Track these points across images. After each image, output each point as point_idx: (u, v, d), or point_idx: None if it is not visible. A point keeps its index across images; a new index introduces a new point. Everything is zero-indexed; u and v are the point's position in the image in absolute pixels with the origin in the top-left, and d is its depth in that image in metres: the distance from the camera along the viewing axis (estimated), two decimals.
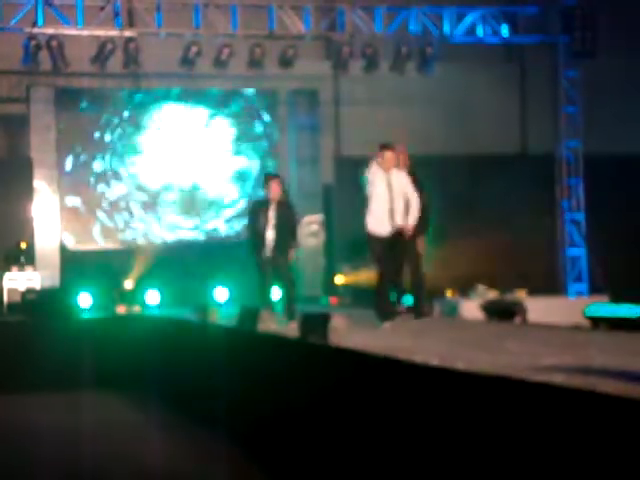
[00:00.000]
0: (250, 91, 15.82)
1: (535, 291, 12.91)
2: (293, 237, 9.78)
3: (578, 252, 15.27)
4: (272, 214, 9.57)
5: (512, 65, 16.74)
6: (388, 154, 8.68)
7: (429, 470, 5.14)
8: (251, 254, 9.76)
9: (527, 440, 4.33)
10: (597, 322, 8.01)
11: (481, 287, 13.03)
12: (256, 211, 9.81)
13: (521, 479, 4.37)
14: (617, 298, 10.72)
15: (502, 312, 9.71)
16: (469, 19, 14.62)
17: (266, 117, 15.96)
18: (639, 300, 8.08)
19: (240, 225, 15.59)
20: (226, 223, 15.83)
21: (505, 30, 14.78)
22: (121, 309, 13.48)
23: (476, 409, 4.74)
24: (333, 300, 14.25)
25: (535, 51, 15.76)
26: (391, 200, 8.53)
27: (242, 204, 15.78)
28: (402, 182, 8.74)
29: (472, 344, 6.90)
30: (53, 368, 11.73)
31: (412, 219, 8.64)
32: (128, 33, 13.60)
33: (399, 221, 8.55)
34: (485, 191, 15.47)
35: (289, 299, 9.56)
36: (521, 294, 12.90)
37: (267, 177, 10.32)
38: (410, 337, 7.74)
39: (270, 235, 9.54)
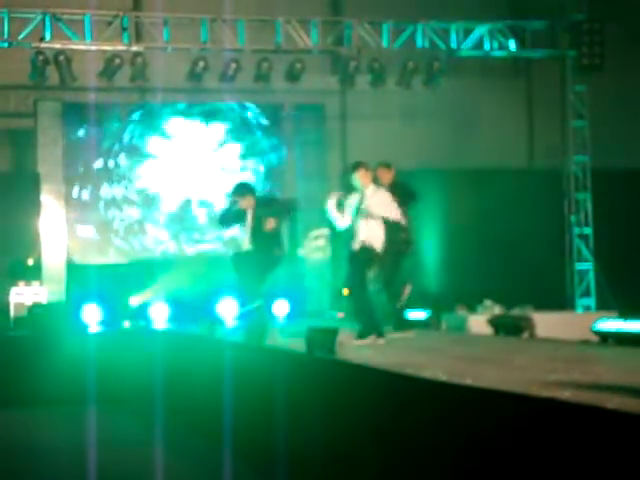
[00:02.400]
0: (256, 106, 15.83)
1: (543, 306, 12.84)
2: None
3: (586, 266, 15.22)
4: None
5: (519, 79, 16.74)
6: (360, 172, 8.63)
7: None
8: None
9: (535, 456, 4.29)
10: (605, 337, 7.97)
11: (488, 302, 12.97)
12: None
13: None
14: (625, 313, 10.66)
15: (510, 327, 9.66)
16: (476, 33, 14.62)
17: (272, 132, 15.97)
18: None
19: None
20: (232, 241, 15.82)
21: (512, 44, 14.79)
22: (127, 324, 13.46)
23: (484, 424, 4.70)
24: (340, 315, 14.20)
25: (542, 65, 15.76)
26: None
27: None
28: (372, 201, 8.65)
29: (480, 359, 6.86)
30: (56, 383, 11.70)
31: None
32: (135, 48, 13.64)
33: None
34: (492, 206, 15.45)
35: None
36: (529, 309, 12.83)
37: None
38: (418, 353, 7.70)
39: None
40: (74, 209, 15.18)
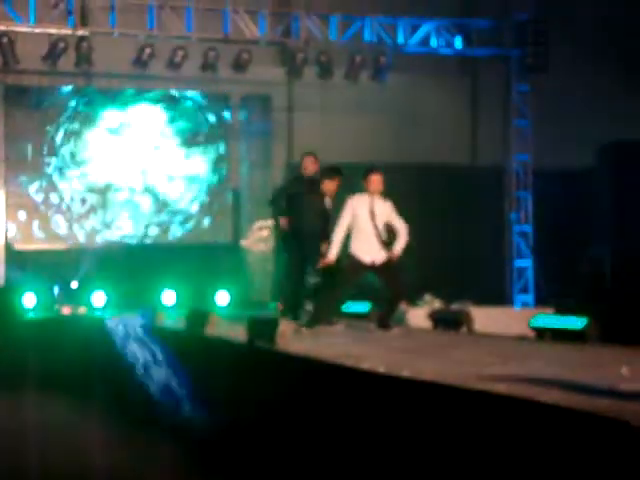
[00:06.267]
0: (202, 95, 15.76)
1: (482, 301, 13.02)
2: None
3: (525, 263, 15.46)
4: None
5: (465, 77, 16.90)
6: (374, 177, 8.83)
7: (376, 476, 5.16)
8: None
9: (470, 448, 4.36)
10: (542, 333, 8.11)
11: (428, 296, 13.11)
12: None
13: None
14: (562, 310, 10.85)
15: (448, 321, 9.78)
16: (423, 30, 14.73)
17: (218, 121, 15.92)
18: (583, 311, 8.19)
19: (190, 228, 15.60)
20: (179, 226, 15.76)
21: (459, 42, 14.93)
22: (66, 310, 13.33)
23: (419, 416, 4.77)
24: (280, 306, 14.20)
25: (488, 64, 15.92)
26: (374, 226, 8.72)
27: (194, 207, 15.75)
28: (385, 208, 8.89)
29: (418, 352, 6.94)
30: None
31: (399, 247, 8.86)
32: (81, 32, 13.48)
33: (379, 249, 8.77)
34: (434, 202, 15.59)
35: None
36: (468, 304, 12.99)
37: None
38: (357, 344, 7.76)
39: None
40: (15, 194, 14.97)
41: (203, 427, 7.69)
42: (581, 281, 14.09)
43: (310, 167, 9.95)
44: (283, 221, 9.88)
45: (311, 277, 9.63)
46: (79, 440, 8.68)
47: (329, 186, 9.62)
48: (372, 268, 8.88)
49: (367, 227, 8.80)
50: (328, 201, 9.70)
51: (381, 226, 8.90)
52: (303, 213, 9.62)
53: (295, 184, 10.09)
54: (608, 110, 15.93)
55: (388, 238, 8.89)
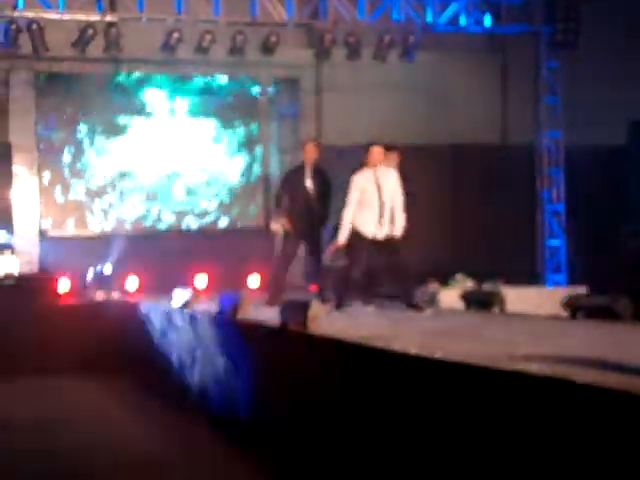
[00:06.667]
0: (231, 79, 15.75)
1: (515, 281, 12.95)
2: None
3: (558, 243, 15.35)
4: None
5: (494, 55, 16.74)
6: (375, 149, 8.90)
7: (408, 459, 5.16)
8: None
9: (505, 430, 4.35)
10: (574, 312, 8.06)
11: (460, 276, 13.06)
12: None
13: (498, 468, 4.40)
14: (595, 289, 10.78)
15: (480, 302, 9.75)
16: (452, 8, 14.63)
17: (248, 105, 15.92)
18: (616, 290, 8.14)
19: (219, 215, 15.70)
20: (210, 212, 15.80)
21: (488, 20, 14.80)
22: (100, 295, 13.45)
23: (454, 398, 4.77)
24: (313, 288, 14.22)
25: (517, 41, 15.76)
26: (380, 203, 8.76)
27: (224, 193, 15.80)
28: (392, 183, 8.93)
29: (450, 333, 6.93)
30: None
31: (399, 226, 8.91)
32: (109, 18, 13.52)
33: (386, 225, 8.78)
34: (466, 181, 15.52)
35: None
36: (500, 284, 12.93)
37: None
38: (389, 325, 7.76)
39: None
40: (54, 178, 15.07)
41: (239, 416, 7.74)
42: (625, 257, 13.98)
43: (312, 154, 10.01)
44: (284, 222, 9.94)
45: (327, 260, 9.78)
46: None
47: (391, 159, 9.59)
48: (373, 243, 8.93)
49: (373, 201, 8.88)
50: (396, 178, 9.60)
51: (389, 201, 8.94)
52: (307, 201, 9.76)
53: (297, 173, 10.15)
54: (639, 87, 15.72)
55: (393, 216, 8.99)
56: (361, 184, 8.96)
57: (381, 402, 5.45)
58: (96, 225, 15.25)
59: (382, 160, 9.07)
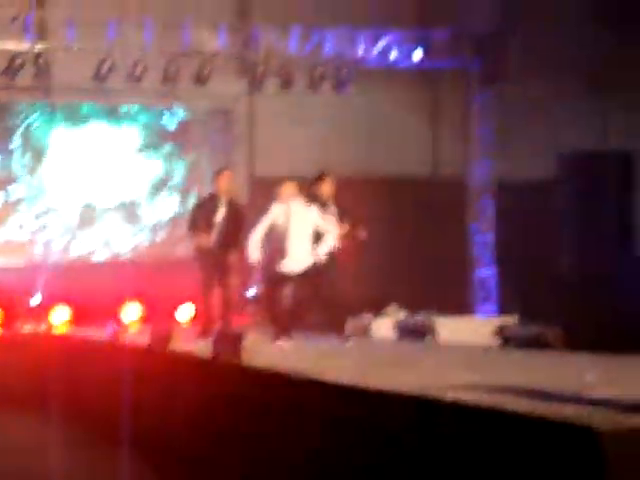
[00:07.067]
0: (163, 109, 15.64)
1: (447, 311, 13.05)
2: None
3: (488, 272, 15.52)
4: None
5: (425, 88, 16.94)
6: (287, 184, 8.99)
7: None
8: None
9: (439, 458, 4.35)
10: (506, 341, 8.14)
11: (393, 306, 13.11)
12: None
13: None
14: (526, 318, 10.91)
15: (413, 332, 9.79)
16: (383, 42, 14.78)
17: (179, 136, 15.81)
18: (547, 319, 8.24)
19: (153, 240, 15.55)
20: (144, 238, 15.62)
21: (418, 54, 14.97)
22: (27, 327, 13.16)
23: (386, 428, 4.75)
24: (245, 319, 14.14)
25: (448, 74, 15.99)
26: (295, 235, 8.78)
27: (161, 217, 15.67)
28: (310, 216, 8.94)
29: (384, 363, 6.93)
30: None
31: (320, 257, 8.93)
32: (39, 46, 13.35)
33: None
34: (399, 212, 15.62)
35: None
36: (433, 314, 13.01)
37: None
38: (323, 356, 7.73)
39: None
40: None
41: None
42: (552, 289, 14.18)
43: (224, 184, 10.22)
44: (201, 239, 9.93)
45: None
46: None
47: (325, 189, 9.66)
48: (293, 277, 8.94)
49: (286, 234, 8.85)
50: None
51: (304, 233, 8.92)
52: (218, 232, 9.78)
53: (210, 202, 10.24)
54: (570, 120, 16.03)
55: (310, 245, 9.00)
56: (275, 214, 8.93)
57: (318, 433, 5.41)
58: (24, 254, 14.96)
59: (296, 194, 9.07)
